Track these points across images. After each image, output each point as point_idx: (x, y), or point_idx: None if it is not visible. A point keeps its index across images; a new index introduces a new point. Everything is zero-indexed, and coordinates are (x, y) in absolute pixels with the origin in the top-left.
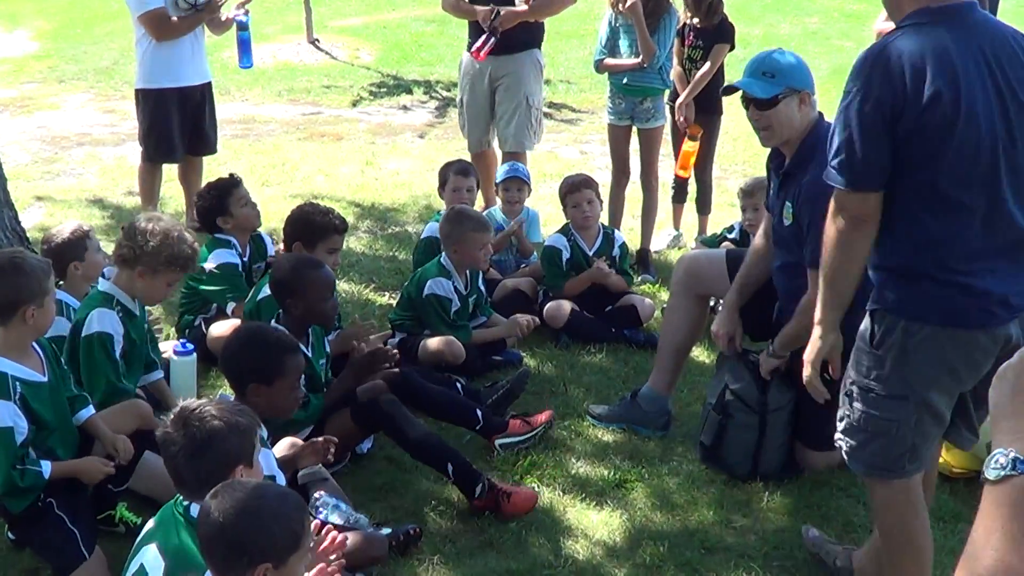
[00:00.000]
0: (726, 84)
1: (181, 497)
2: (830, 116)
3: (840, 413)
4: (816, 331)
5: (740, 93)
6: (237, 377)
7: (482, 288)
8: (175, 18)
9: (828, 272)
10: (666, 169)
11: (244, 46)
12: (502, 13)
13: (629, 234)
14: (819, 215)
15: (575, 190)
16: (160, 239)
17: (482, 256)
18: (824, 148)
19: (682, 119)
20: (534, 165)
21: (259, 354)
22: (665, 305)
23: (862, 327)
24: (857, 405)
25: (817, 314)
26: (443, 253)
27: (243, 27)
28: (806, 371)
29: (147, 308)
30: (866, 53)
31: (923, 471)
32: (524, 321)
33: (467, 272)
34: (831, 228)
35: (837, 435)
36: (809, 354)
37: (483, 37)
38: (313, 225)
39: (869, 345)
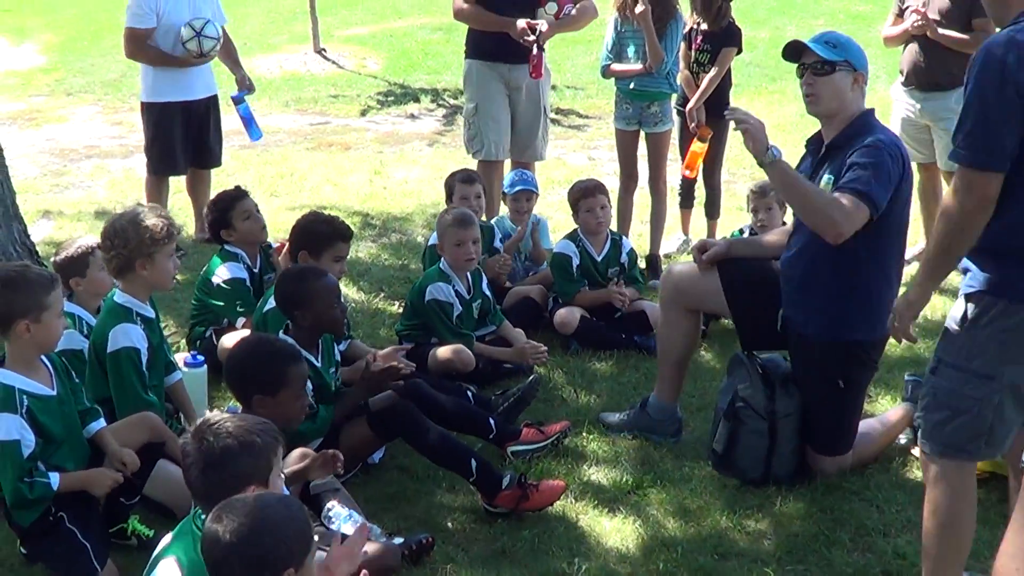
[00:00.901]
0: (791, 41)
1: (199, 510)
2: None
3: (923, 391)
4: (915, 291)
5: (795, 67)
6: (241, 389)
7: (488, 293)
8: (162, 49)
9: (942, 245)
10: (674, 174)
11: (247, 121)
12: (543, 30)
13: (637, 240)
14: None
15: (588, 195)
16: (134, 228)
17: (463, 254)
18: (871, 136)
19: (693, 124)
20: (541, 172)
21: (261, 365)
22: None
23: (954, 309)
24: (942, 382)
25: (920, 276)
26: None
27: (238, 101)
28: (900, 322)
29: (161, 321)
30: (995, 40)
31: (996, 457)
32: (531, 351)
33: (468, 276)
34: (952, 205)
35: (917, 414)
36: (904, 308)
37: (533, 54)
38: (317, 234)
39: (963, 325)
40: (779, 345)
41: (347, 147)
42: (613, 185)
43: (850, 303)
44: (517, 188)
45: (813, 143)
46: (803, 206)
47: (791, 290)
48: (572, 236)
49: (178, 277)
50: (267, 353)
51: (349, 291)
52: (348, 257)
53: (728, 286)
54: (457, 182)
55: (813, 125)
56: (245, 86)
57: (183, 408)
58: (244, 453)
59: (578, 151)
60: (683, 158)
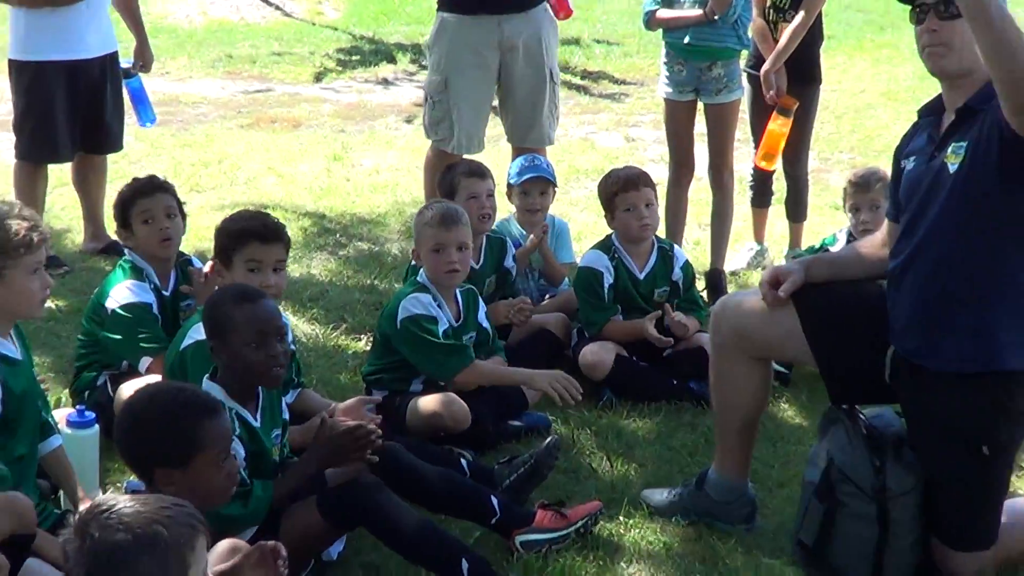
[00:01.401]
0: None
1: None
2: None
3: None
4: None
5: (908, 10)
6: (138, 461)
7: (486, 323)
8: None
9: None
10: (744, 159)
11: (137, 100)
12: None
13: (694, 251)
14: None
15: (629, 188)
16: None
17: (443, 263)
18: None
19: (771, 92)
20: (561, 157)
21: (163, 423)
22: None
23: None
24: None
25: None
26: (421, 269)
27: (128, 75)
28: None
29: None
30: None
31: None
32: (563, 384)
33: (458, 297)
34: None
35: None
36: None
37: None
38: (224, 233)
39: None
40: (886, 397)
41: (296, 124)
42: (661, 175)
43: (999, 317)
44: (527, 177)
45: (930, 112)
46: (1000, 43)
47: (907, 313)
48: (604, 245)
49: (58, 302)
50: (171, 406)
51: (298, 322)
52: (299, 275)
53: (809, 325)
54: (461, 176)
55: (934, 90)
56: (142, 58)
57: (64, 485)
58: (144, 552)
59: (612, 129)
60: (757, 139)
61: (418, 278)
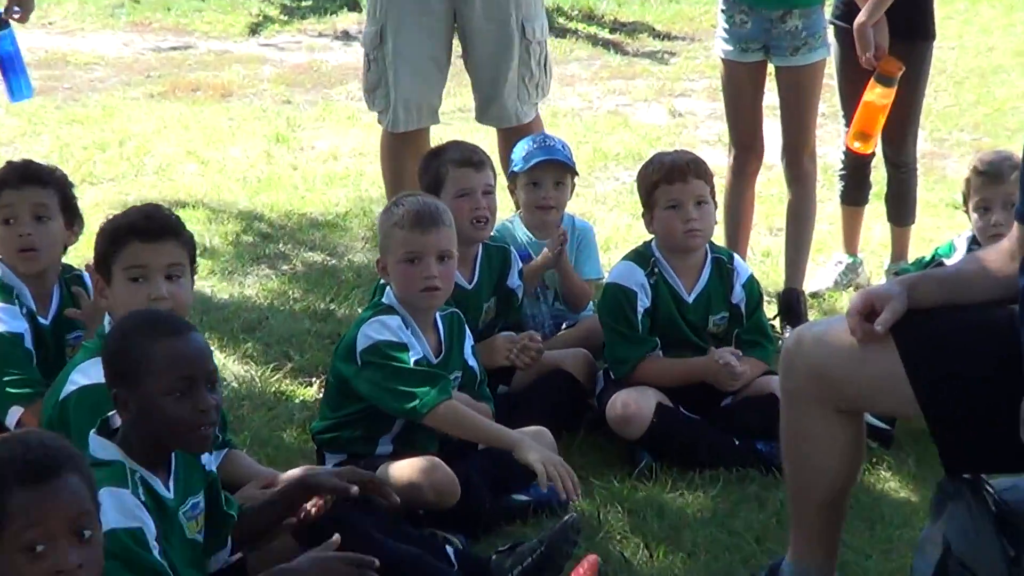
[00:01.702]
0: None
1: None
2: None
3: None
4: None
5: None
6: None
7: (472, 361)
8: None
9: None
10: (830, 141)
11: (8, 65)
12: None
13: (762, 264)
14: None
15: (674, 179)
16: None
17: (418, 278)
18: None
19: (868, 54)
20: (583, 138)
21: (14, 480)
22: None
23: None
24: None
25: None
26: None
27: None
28: None
29: None
30: None
31: None
32: (560, 473)
33: (438, 324)
34: None
35: None
36: None
37: None
38: (101, 234)
39: None
40: (1017, 463)
41: (225, 93)
42: (718, 162)
43: None
44: (537, 162)
45: None
46: None
47: None
48: (640, 256)
49: None
50: (21, 462)
51: (226, 360)
52: (228, 297)
53: (915, 367)
54: (449, 166)
55: None
56: (17, 2)
57: None
58: None
59: (652, 100)
60: (848, 115)
61: (384, 298)
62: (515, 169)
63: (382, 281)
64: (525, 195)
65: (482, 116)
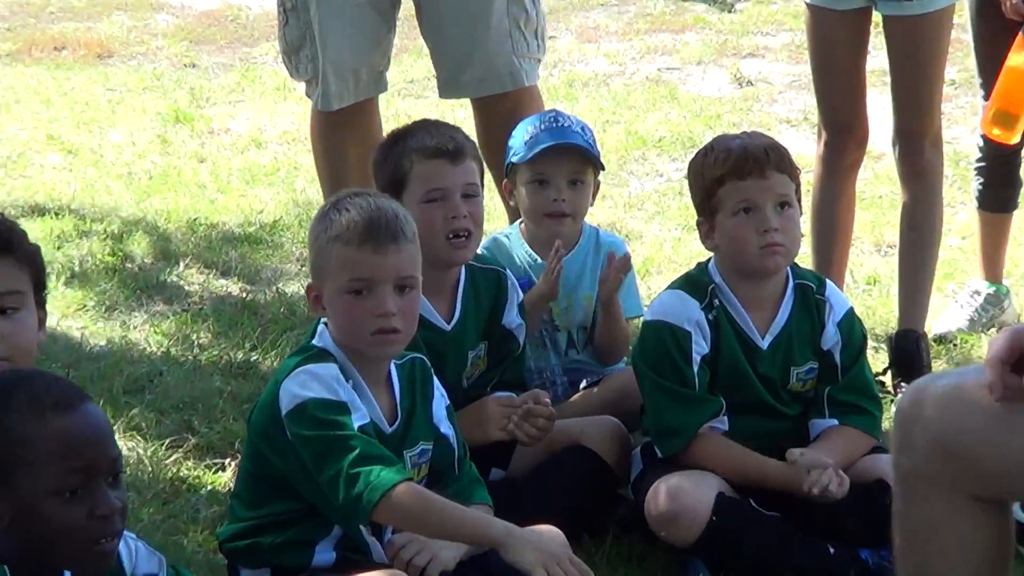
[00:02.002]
0: None
1: None
2: None
3: None
4: None
5: None
6: None
7: (448, 429)
8: None
9: None
10: (962, 121)
11: None
12: None
13: (867, 295)
14: None
15: (745, 172)
16: None
17: (366, 314)
18: None
19: (1016, 0)
20: (613, 117)
21: None
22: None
23: None
24: None
25: None
26: (320, 324)
27: None
28: None
29: None
30: None
31: None
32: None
33: (392, 378)
34: None
35: None
36: None
37: None
38: None
39: None
40: None
41: (103, 52)
42: (802, 149)
43: None
44: (543, 148)
45: None
46: None
47: None
48: (693, 283)
49: None
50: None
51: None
52: (103, 343)
53: None
54: (416, 156)
55: None
56: None
57: None
58: None
59: (709, 62)
60: (987, 86)
61: (315, 339)
62: (514, 160)
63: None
64: (528, 197)
65: (452, 84)
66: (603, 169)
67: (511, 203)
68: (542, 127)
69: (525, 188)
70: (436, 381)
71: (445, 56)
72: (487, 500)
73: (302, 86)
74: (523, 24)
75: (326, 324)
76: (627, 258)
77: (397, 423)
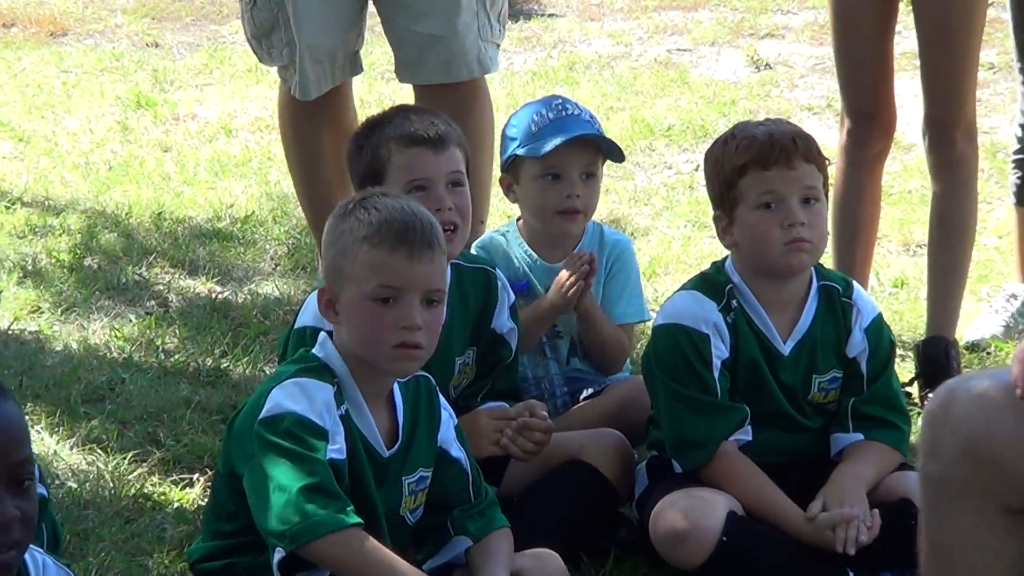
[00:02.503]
0: None
1: None
2: None
3: None
4: None
5: None
6: None
7: (460, 452)
8: None
9: None
10: (1002, 109)
11: None
12: None
13: (894, 299)
14: None
15: (771, 160)
16: None
17: (392, 326)
18: None
19: None
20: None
21: None
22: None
23: None
24: None
25: None
26: (322, 333)
27: None
28: None
29: None
30: None
31: None
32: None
33: (396, 397)
34: None
35: None
36: None
37: None
38: None
39: None
40: None
41: (56, 30)
42: (826, 138)
43: None
44: (555, 144)
45: None
46: None
47: None
48: (709, 284)
49: None
50: None
51: (58, 446)
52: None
53: None
54: (395, 144)
55: None
56: None
57: None
58: None
59: (724, 42)
60: None
61: (318, 349)
62: (520, 152)
63: (299, 329)
64: (538, 193)
65: (412, 67)
66: (623, 160)
67: (511, 197)
68: (550, 116)
69: (535, 183)
70: (443, 401)
71: (407, 36)
72: (505, 523)
73: (275, 69)
74: (489, 5)
75: (326, 335)
76: (591, 258)
77: (397, 446)
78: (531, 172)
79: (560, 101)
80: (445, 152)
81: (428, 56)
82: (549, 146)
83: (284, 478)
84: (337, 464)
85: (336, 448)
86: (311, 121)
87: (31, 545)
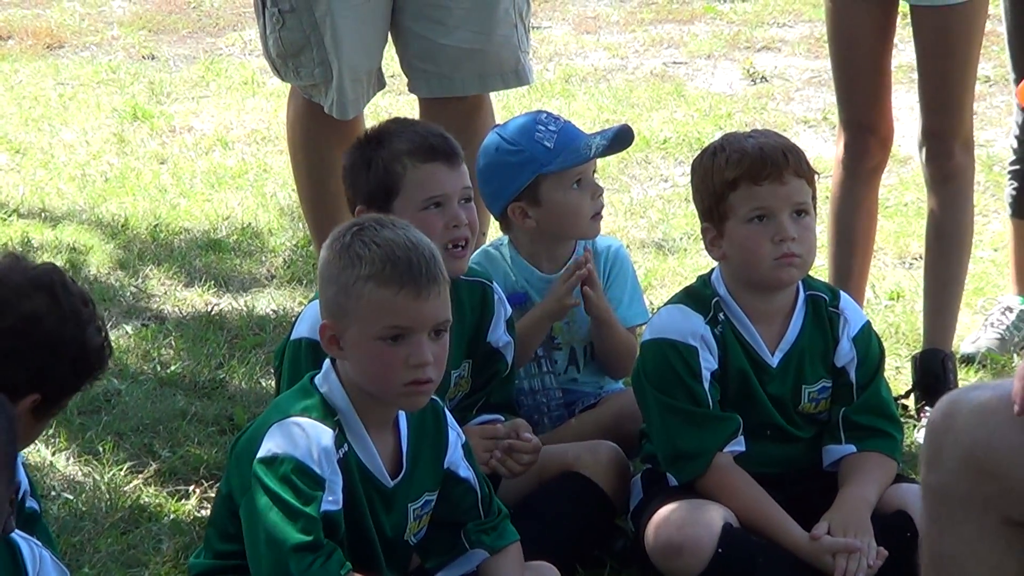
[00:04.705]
0: None
1: None
2: None
3: None
4: None
5: None
6: None
7: (469, 472)
8: None
9: None
10: (998, 121)
11: None
12: None
13: (887, 311)
14: None
15: (762, 174)
16: None
17: (406, 362)
18: None
19: None
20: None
21: None
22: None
23: None
24: None
25: None
26: (326, 361)
27: None
28: None
29: None
30: None
31: None
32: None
33: (402, 424)
34: None
35: None
36: None
37: None
38: None
39: None
40: None
41: (53, 43)
42: (821, 151)
43: None
44: (599, 145)
45: None
46: None
47: None
48: (695, 297)
49: None
50: None
51: (54, 457)
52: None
53: None
54: (408, 160)
55: None
56: None
57: None
58: None
59: (720, 55)
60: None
61: (320, 380)
62: (549, 169)
63: (296, 340)
64: (573, 203)
65: (441, 80)
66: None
67: (524, 224)
68: (551, 127)
69: (568, 194)
70: (451, 420)
71: (437, 50)
72: (515, 537)
73: (272, 81)
74: (524, 15)
75: (332, 366)
76: (586, 259)
77: (401, 475)
78: (561, 185)
79: (546, 114)
80: (459, 167)
81: (463, 69)
82: (595, 150)
83: (277, 532)
84: (331, 516)
85: (332, 500)
86: (327, 136)
87: (29, 537)
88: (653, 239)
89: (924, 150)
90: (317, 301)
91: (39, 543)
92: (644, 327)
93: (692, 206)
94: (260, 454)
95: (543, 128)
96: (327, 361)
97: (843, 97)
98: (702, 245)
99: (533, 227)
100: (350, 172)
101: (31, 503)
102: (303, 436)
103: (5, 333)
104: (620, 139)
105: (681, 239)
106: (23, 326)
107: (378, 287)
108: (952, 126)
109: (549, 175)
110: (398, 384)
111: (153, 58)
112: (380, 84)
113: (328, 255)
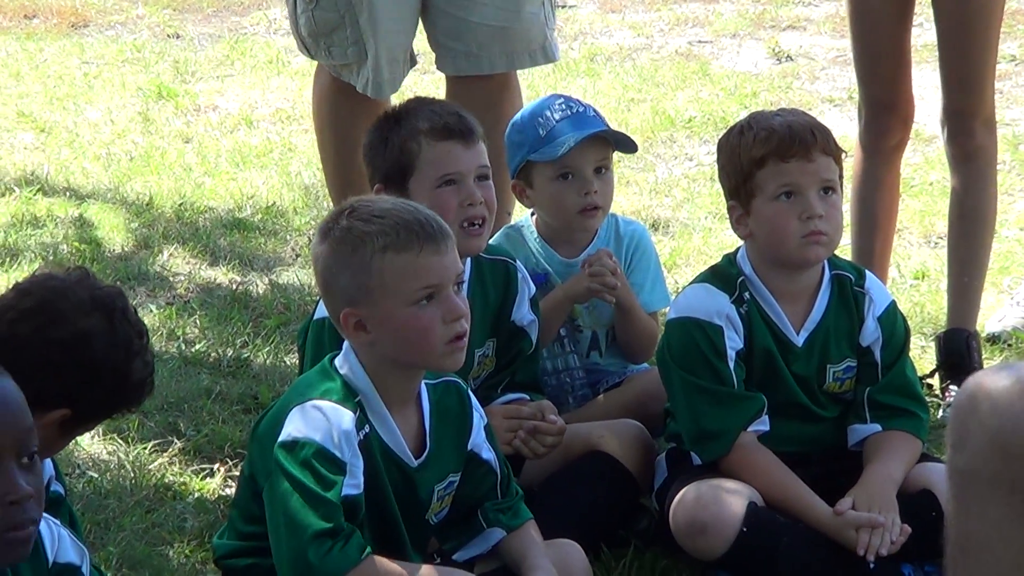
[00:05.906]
0: None
1: None
2: None
3: None
4: None
5: None
6: None
7: (490, 454)
8: None
9: None
10: (1021, 104)
11: None
12: None
13: (912, 290)
14: None
15: (789, 152)
16: None
17: (434, 331)
18: None
19: None
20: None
21: None
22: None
23: None
24: None
25: None
26: (345, 342)
27: None
28: None
29: None
30: None
31: None
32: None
33: (425, 401)
34: None
35: None
36: None
37: None
38: None
39: None
40: None
41: (78, 21)
42: (847, 130)
43: None
44: (568, 145)
45: None
46: None
47: None
48: (720, 276)
49: None
50: None
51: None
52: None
53: None
54: (424, 138)
55: None
56: None
57: None
58: None
59: (745, 34)
60: None
61: (341, 361)
62: (533, 157)
63: (318, 320)
64: (557, 195)
65: (471, 58)
66: (635, 150)
67: (524, 203)
68: (555, 117)
69: (551, 185)
70: (474, 402)
71: (465, 27)
72: (530, 516)
73: (297, 60)
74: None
75: (350, 346)
76: (608, 253)
77: (425, 454)
78: (545, 174)
79: (562, 100)
80: (475, 146)
81: (490, 47)
82: (564, 148)
83: (299, 517)
84: (353, 499)
85: (353, 484)
86: (354, 114)
87: (48, 516)
88: (678, 218)
89: (946, 129)
90: None
91: (57, 522)
92: (667, 309)
93: (717, 185)
94: (281, 438)
95: (547, 114)
96: (346, 342)
97: (863, 76)
98: (727, 224)
99: (531, 206)
100: (369, 151)
101: (56, 487)
102: (323, 420)
103: (54, 344)
104: (585, 146)
105: (706, 218)
106: (73, 342)
107: (398, 254)
108: (973, 105)
109: (539, 162)
110: (440, 344)
111: (178, 37)
112: (412, 62)
113: (327, 248)
